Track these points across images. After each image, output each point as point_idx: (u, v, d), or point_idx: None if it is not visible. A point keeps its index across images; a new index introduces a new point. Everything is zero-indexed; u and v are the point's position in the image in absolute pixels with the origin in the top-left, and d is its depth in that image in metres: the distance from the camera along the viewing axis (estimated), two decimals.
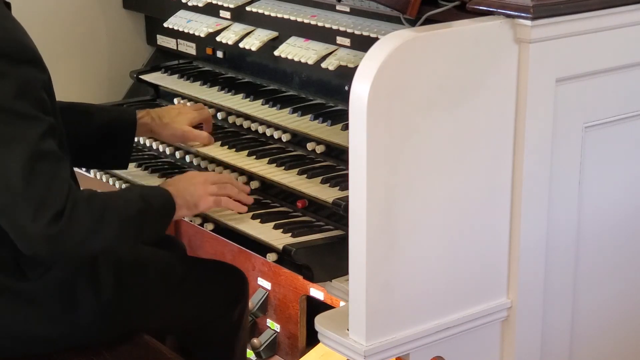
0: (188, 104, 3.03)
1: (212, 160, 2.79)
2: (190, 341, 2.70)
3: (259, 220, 2.54)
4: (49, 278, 2.34)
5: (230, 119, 2.89)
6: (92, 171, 2.97)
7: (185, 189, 2.42)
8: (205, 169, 2.80)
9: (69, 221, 2.11)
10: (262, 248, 2.46)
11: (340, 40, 2.63)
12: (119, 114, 2.75)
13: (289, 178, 2.57)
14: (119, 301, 2.43)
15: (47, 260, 2.31)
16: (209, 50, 3.19)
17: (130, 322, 2.48)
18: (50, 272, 2.33)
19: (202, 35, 3.02)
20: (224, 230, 2.59)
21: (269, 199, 2.67)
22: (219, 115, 2.93)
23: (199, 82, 3.12)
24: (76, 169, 2.59)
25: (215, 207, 2.48)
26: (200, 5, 3.04)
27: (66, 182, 2.14)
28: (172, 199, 2.37)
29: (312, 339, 2.84)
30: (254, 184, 2.66)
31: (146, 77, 3.26)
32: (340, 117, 2.68)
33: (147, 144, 3.00)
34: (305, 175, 2.55)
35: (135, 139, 2.83)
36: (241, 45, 2.88)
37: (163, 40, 3.36)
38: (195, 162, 2.84)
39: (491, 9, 2.12)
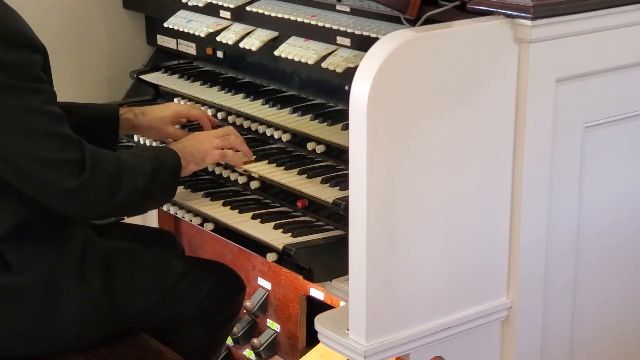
0: (188, 104, 3.03)
1: None
2: (173, 335, 2.69)
3: (259, 220, 2.54)
4: (34, 271, 2.35)
5: (230, 118, 2.88)
6: None
7: (192, 146, 2.57)
8: (205, 169, 2.80)
9: (91, 175, 2.24)
10: (262, 248, 2.46)
11: (340, 40, 2.63)
12: (100, 110, 2.75)
13: (289, 178, 2.57)
14: (108, 297, 2.43)
15: (34, 255, 2.35)
16: (209, 50, 3.19)
17: (119, 319, 2.47)
18: (36, 265, 2.35)
19: (202, 35, 3.02)
20: (224, 230, 2.59)
21: (269, 199, 2.67)
22: (219, 115, 2.93)
23: (199, 82, 3.11)
24: None
25: (221, 160, 2.62)
26: (200, 5, 3.04)
27: (78, 139, 2.26)
28: (179, 157, 2.50)
29: (312, 339, 2.84)
30: (254, 184, 2.66)
31: (146, 77, 3.26)
32: (340, 117, 2.68)
33: (142, 142, 2.99)
34: (305, 175, 2.55)
35: (136, 139, 2.84)
36: (241, 45, 2.88)
37: (163, 40, 3.36)
38: None
39: (491, 9, 2.12)
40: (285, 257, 2.40)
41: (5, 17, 2.21)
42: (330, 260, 2.35)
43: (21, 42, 2.20)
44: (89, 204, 2.27)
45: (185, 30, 3.08)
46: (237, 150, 2.64)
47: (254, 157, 2.66)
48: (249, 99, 2.93)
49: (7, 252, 2.34)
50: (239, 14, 2.95)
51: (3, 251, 2.34)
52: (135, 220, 3.43)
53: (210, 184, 2.78)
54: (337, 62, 2.60)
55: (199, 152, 2.56)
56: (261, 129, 2.79)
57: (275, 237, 2.45)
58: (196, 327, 2.67)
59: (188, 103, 3.03)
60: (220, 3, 2.99)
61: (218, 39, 2.96)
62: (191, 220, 2.67)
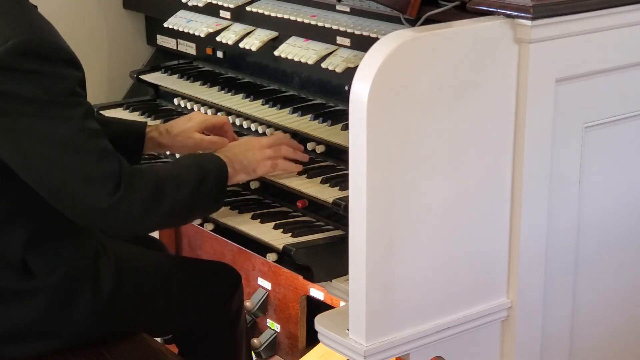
0: (188, 104, 3.03)
1: None
2: (190, 344, 2.70)
3: (259, 220, 2.54)
4: (54, 277, 2.34)
5: (230, 119, 2.88)
6: None
7: (242, 154, 2.47)
8: None
9: (126, 192, 2.17)
10: (262, 248, 2.46)
11: (340, 40, 2.64)
12: (128, 127, 2.72)
13: (289, 178, 2.57)
14: (117, 299, 2.43)
15: (55, 261, 2.33)
16: (209, 50, 3.19)
17: (127, 320, 2.48)
18: (56, 272, 2.34)
19: (202, 35, 3.02)
20: (224, 230, 2.59)
21: (269, 199, 2.67)
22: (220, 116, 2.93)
23: (199, 82, 3.12)
24: None
25: (273, 170, 2.52)
26: (200, 5, 3.04)
27: (116, 156, 2.20)
28: (224, 165, 2.40)
29: (312, 339, 2.83)
30: (254, 184, 2.66)
31: (146, 77, 3.26)
32: (340, 117, 2.68)
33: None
34: (305, 175, 2.55)
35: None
36: (241, 45, 2.88)
37: (163, 40, 3.36)
38: None
39: (491, 9, 2.13)
40: (285, 257, 2.40)
41: (46, 33, 2.20)
42: (330, 260, 2.35)
43: (61, 57, 2.18)
44: (124, 222, 2.21)
45: (185, 30, 3.08)
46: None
47: (307, 159, 2.60)
48: (249, 99, 2.93)
49: (30, 258, 2.31)
50: (239, 14, 2.96)
51: (25, 257, 2.31)
52: None
53: None
54: (337, 62, 2.60)
55: (249, 162, 2.47)
56: (261, 129, 2.79)
57: (275, 237, 2.45)
58: (211, 331, 2.68)
59: (188, 103, 3.04)
60: (220, 3, 2.99)
61: (218, 39, 2.96)
62: None
